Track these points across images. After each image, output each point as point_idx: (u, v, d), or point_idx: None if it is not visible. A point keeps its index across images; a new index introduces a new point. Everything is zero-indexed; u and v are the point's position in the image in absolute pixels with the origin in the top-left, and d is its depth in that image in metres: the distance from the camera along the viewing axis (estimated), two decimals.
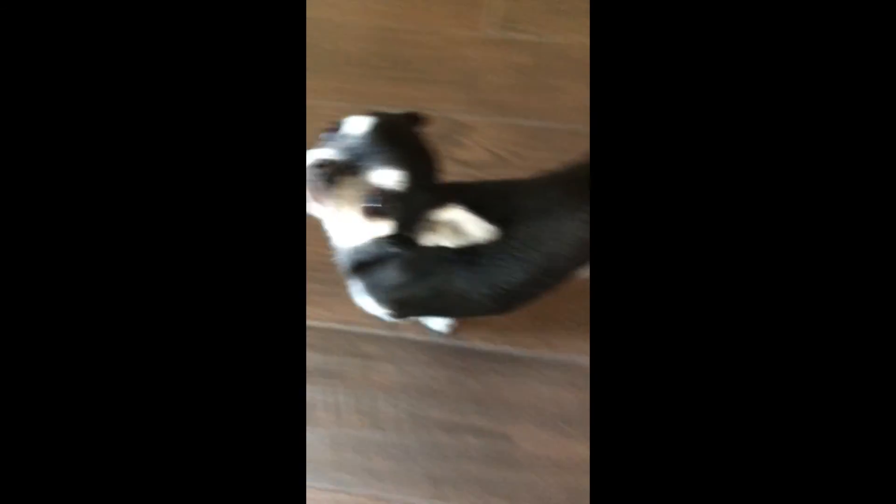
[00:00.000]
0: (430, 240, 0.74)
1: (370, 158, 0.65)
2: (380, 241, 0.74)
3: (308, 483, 1.03)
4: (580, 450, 1.02)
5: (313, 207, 0.65)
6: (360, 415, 1.08)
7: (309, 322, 1.21)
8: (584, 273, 0.94)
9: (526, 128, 1.40)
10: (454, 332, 1.16)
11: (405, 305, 0.88)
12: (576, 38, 1.52)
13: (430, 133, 0.75)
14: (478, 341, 1.14)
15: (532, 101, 1.42)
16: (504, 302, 0.89)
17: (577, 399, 1.06)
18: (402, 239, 0.74)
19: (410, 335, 1.17)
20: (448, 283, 0.84)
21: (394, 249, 0.77)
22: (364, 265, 0.82)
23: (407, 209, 0.69)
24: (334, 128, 0.68)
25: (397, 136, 0.67)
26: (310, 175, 0.62)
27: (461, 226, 0.72)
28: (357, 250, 0.79)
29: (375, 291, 0.86)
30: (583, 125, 1.37)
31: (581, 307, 1.12)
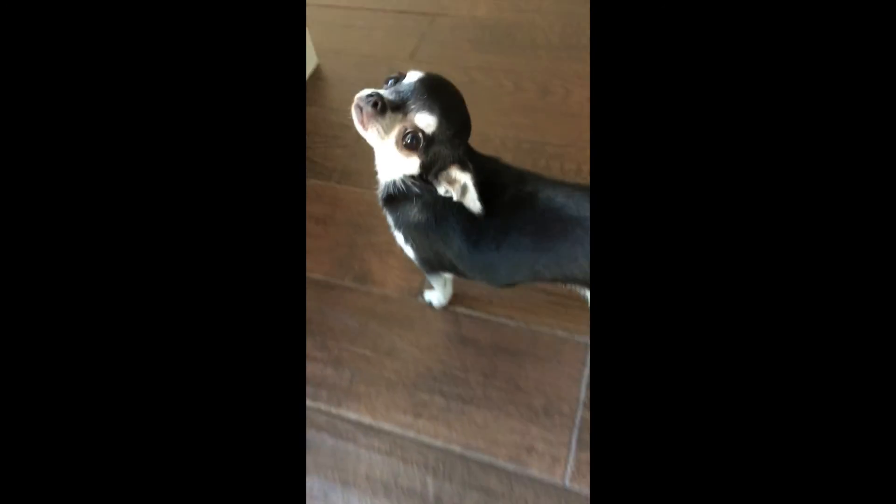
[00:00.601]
0: (443, 189, 0.89)
1: (415, 103, 0.82)
2: (407, 179, 0.92)
3: None
4: None
5: (359, 129, 0.84)
6: None
7: (426, 438, 1.11)
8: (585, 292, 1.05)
9: None
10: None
11: (422, 247, 1.04)
12: None
13: None
14: None
15: None
16: (493, 282, 1.06)
17: None
18: (424, 181, 0.90)
19: (535, 472, 1.10)
20: (448, 245, 1.00)
21: (416, 189, 0.93)
22: (393, 199, 0.98)
23: (433, 156, 0.86)
24: (398, 76, 0.87)
25: (442, 93, 0.85)
26: (362, 103, 0.81)
27: (467, 190, 0.88)
28: (389, 184, 0.97)
29: (400, 225, 1.03)
30: None
31: None
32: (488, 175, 0.91)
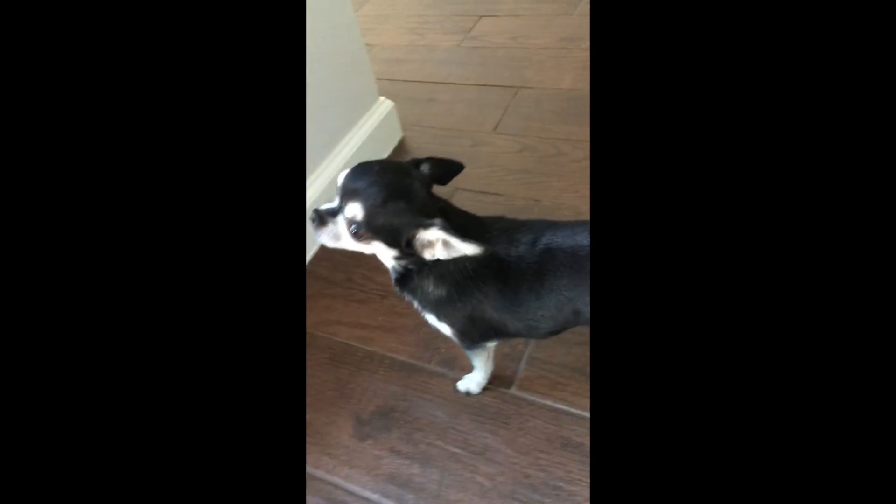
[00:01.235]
0: (428, 255, 0.93)
1: (343, 200, 0.93)
2: (401, 262, 0.98)
3: None
4: None
5: (323, 242, 0.97)
6: None
7: None
8: None
9: None
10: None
11: (457, 320, 1.04)
12: None
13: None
14: None
15: None
16: (538, 332, 1.06)
17: None
18: (408, 255, 0.95)
19: None
20: (484, 309, 1.01)
21: (411, 265, 0.99)
22: (405, 280, 1.03)
23: (388, 232, 0.92)
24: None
25: (360, 177, 0.93)
26: (309, 223, 0.96)
27: (449, 243, 0.89)
28: (393, 269, 1.03)
29: (425, 305, 1.05)
30: None
31: None
32: (501, 232, 0.98)
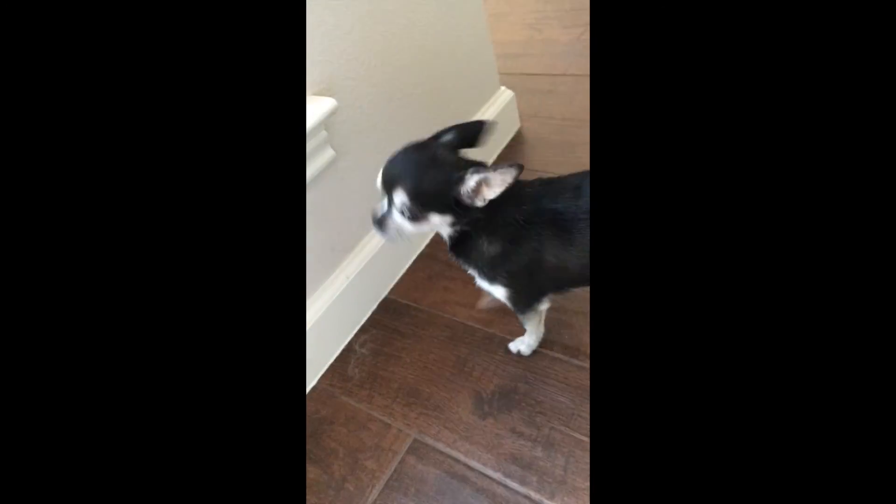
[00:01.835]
0: (480, 201, 0.96)
1: (388, 192, 0.98)
2: (457, 225, 1.02)
3: None
4: None
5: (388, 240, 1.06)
6: None
7: None
8: None
9: None
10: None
11: (513, 276, 1.08)
12: None
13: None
14: None
15: None
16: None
17: None
18: (462, 215, 0.99)
19: None
20: (544, 253, 1.05)
21: (466, 227, 1.02)
22: (460, 246, 1.08)
23: (435, 201, 0.97)
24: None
25: (394, 168, 0.98)
26: (375, 231, 1.05)
27: (489, 179, 0.94)
28: (448, 237, 1.08)
29: (481, 268, 1.09)
30: None
31: None
32: (544, 184, 1.05)
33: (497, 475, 1.14)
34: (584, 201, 0.99)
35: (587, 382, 1.24)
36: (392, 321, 1.53)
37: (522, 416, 1.22)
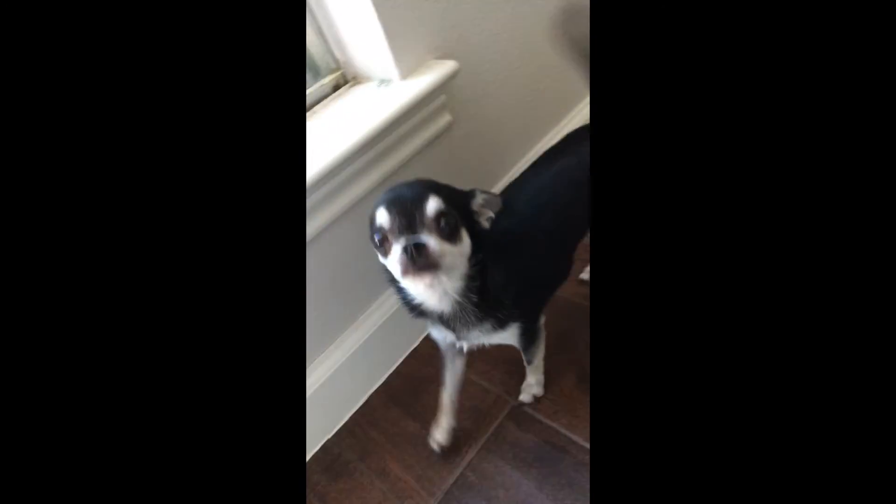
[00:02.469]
0: (485, 220, 0.91)
1: (408, 216, 0.83)
2: (475, 255, 0.90)
3: None
4: None
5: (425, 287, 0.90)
6: None
7: None
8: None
9: None
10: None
11: (518, 298, 1.01)
12: None
13: None
14: None
15: None
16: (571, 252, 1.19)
17: None
18: (478, 242, 0.90)
19: None
20: (531, 260, 1.04)
21: (483, 255, 0.92)
22: (484, 298, 0.96)
23: (462, 211, 0.87)
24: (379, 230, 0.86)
25: (399, 194, 0.85)
26: (409, 268, 0.82)
27: (490, 201, 0.90)
28: (465, 285, 0.94)
29: (504, 312, 1.01)
30: None
31: None
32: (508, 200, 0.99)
33: None
34: (537, 204, 1.07)
35: None
36: None
37: None
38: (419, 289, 0.90)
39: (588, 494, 1.05)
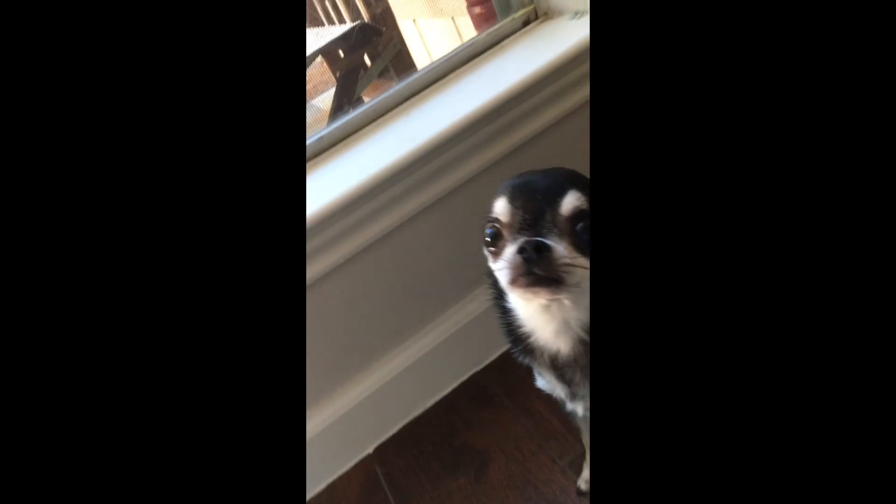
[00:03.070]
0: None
1: (533, 212, 0.64)
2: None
3: None
4: None
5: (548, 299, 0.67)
6: None
7: None
8: None
9: None
10: None
11: None
12: None
13: None
14: None
15: None
16: None
17: None
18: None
19: None
20: None
21: None
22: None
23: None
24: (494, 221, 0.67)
25: (543, 183, 0.66)
26: (520, 277, 0.62)
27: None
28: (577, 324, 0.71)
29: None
30: None
31: None
32: None
33: None
34: None
35: None
36: None
37: None
38: (531, 311, 0.69)
39: None
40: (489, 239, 0.66)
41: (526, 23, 1.30)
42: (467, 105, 1.10)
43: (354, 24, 1.81)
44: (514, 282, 0.61)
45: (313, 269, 1.13)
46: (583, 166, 1.11)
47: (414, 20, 2.48)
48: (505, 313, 0.73)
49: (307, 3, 3.14)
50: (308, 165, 1.20)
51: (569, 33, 1.18)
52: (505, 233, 0.65)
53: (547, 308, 0.66)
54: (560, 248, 0.60)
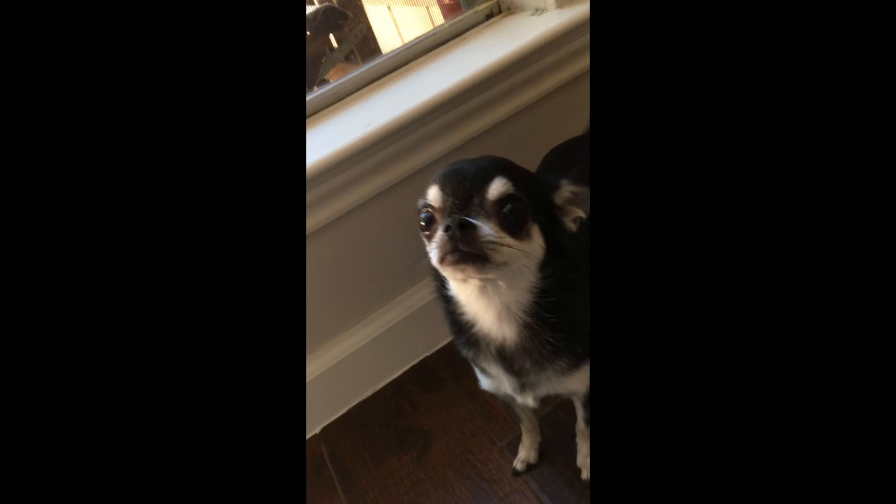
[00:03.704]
0: (571, 223, 0.72)
1: (464, 195, 0.68)
2: (551, 267, 0.71)
3: None
4: None
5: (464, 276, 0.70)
6: None
7: None
8: None
9: None
10: None
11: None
12: None
13: None
14: None
15: None
16: None
17: None
18: (556, 246, 0.71)
19: None
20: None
21: (557, 270, 0.71)
22: (559, 317, 0.75)
23: (540, 202, 0.69)
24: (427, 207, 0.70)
25: (463, 169, 0.70)
26: (450, 254, 0.64)
27: (581, 196, 0.71)
28: (535, 310, 0.73)
29: (578, 342, 0.80)
30: None
31: None
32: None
33: None
34: None
35: None
36: None
37: None
38: (468, 294, 0.71)
39: None
40: (423, 223, 0.70)
41: (489, 16, 1.33)
42: (425, 93, 1.12)
43: (320, 6, 1.81)
44: (442, 260, 0.64)
45: None
46: (539, 156, 1.16)
47: (388, 6, 2.46)
48: (448, 302, 0.76)
49: None
50: None
51: (529, 28, 1.20)
52: (437, 217, 0.68)
53: (483, 290, 0.69)
54: (485, 227, 0.63)
